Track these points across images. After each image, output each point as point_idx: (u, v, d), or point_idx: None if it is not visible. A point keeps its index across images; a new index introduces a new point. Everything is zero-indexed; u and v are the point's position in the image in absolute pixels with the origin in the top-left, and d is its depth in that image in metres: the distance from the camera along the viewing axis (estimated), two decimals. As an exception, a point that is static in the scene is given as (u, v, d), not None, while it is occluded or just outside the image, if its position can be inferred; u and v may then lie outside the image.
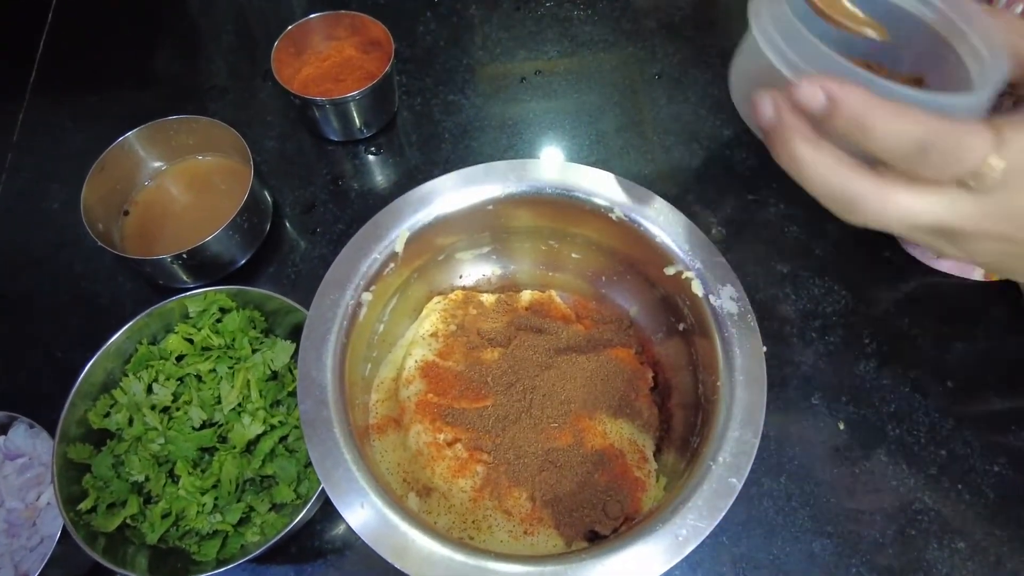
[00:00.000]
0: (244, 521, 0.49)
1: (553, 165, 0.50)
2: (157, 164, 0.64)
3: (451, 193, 0.49)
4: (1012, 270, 0.33)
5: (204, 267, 0.59)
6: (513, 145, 0.69)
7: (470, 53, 0.75)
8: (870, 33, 0.35)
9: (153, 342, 0.53)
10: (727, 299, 0.45)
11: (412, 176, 0.67)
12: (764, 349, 0.44)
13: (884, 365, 0.57)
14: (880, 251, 0.61)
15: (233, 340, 0.53)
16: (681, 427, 0.48)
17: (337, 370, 0.43)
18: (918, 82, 0.39)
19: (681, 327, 0.49)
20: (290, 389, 0.52)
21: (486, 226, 0.52)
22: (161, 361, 0.52)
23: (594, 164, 0.51)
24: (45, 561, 0.45)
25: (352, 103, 0.64)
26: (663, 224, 0.48)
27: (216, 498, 0.49)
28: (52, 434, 0.48)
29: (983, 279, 0.59)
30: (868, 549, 0.50)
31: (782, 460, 0.53)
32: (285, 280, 0.62)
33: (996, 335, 0.58)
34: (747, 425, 0.42)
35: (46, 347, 0.59)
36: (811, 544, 0.50)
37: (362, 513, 0.39)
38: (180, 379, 0.52)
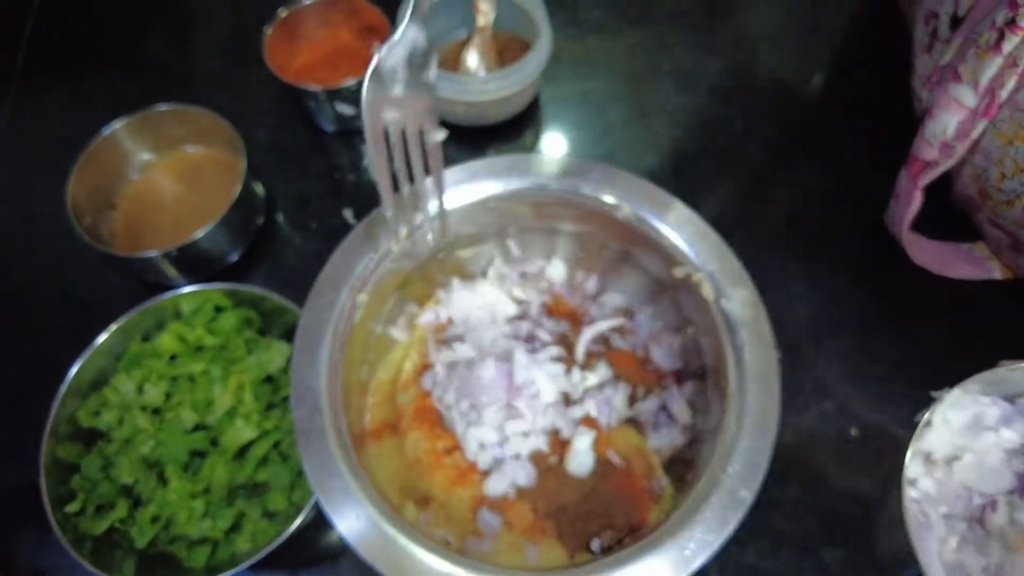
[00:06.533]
0: (235, 528, 0.48)
1: (557, 160, 0.48)
2: (146, 156, 0.62)
3: (451, 189, 0.47)
4: None
5: (194, 264, 0.57)
6: (517, 136, 0.66)
7: (471, 40, 0.72)
8: None
9: (146, 339, 0.51)
10: (739, 303, 0.44)
11: (411, 168, 0.65)
12: (778, 356, 0.42)
13: (897, 370, 0.55)
14: (894, 254, 0.59)
15: (228, 340, 0.51)
16: (689, 434, 0.47)
17: (332, 376, 0.42)
18: None
19: (690, 331, 0.48)
20: (284, 393, 0.50)
21: (487, 222, 0.50)
22: (153, 359, 0.51)
23: (600, 157, 0.48)
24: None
25: (348, 92, 0.61)
26: (673, 223, 0.46)
27: (207, 503, 0.47)
28: (36, 432, 0.46)
29: (1000, 277, 0.57)
30: (880, 558, 0.48)
31: (791, 467, 0.51)
32: (279, 277, 0.60)
33: (1011, 337, 0.56)
34: (759, 435, 0.40)
35: (31, 344, 0.58)
36: (821, 553, 0.49)
37: (357, 525, 0.38)
38: (172, 379, 0.50)
